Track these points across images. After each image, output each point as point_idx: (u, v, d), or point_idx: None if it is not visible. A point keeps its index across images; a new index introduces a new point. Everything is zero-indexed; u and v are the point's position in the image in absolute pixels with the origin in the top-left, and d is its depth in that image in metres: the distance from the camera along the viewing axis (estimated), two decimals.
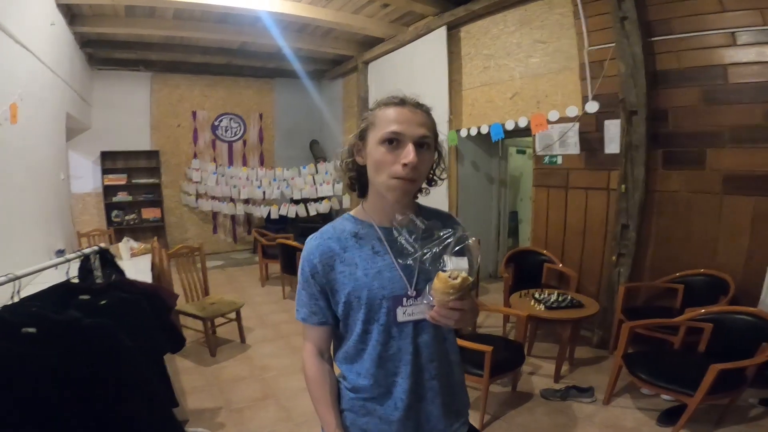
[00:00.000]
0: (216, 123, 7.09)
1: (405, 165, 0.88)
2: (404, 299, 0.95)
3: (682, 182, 3.15)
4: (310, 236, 1.03)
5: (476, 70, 4.39)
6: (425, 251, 0.91)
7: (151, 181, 6.61)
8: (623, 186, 3.25)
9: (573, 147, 3.63)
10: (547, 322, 2.93)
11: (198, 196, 6.82)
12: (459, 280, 0.84)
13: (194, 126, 6.93)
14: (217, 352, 3.38)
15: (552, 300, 2.92)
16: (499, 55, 4.18)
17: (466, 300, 0.86)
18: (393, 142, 0.89)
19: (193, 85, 6.86)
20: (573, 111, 3.50)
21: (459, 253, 0.88)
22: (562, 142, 3.69)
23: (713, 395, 2.11)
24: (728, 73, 2.87)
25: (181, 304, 3.23)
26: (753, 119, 2.80)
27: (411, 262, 0.94)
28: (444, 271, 0.86)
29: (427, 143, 0.93)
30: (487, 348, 2.18)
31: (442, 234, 0.90)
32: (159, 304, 2.11)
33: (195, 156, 6.93)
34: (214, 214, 7.19)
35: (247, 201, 6.95)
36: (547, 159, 3.86)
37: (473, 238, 0.90)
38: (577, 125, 3.55)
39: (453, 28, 4.56)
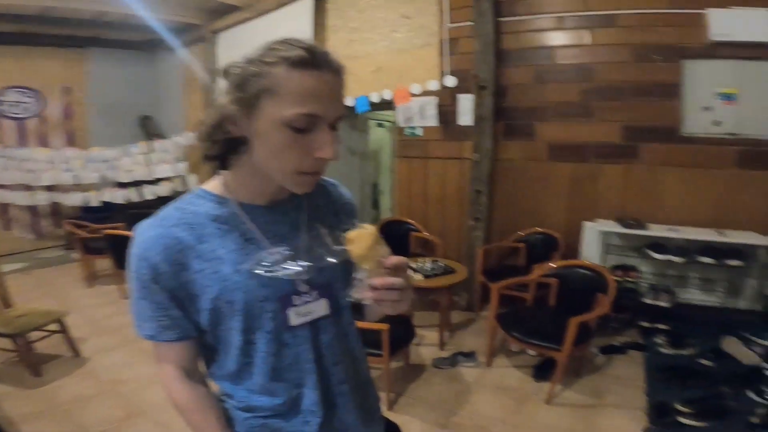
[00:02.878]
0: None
1: (320, 159, 0.66)
2: (294, 297, 0.75)
3: (518, 151, 3.60)
4: (141, 224, 0.73)
5: (341, 43, 4.26)
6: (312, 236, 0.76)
7: None
8: (476, 155, 3.57)
9: (432, 119, 3.82)
10: (425, 290, 3.03)
11: None
12: (370, 227, 0.68)
13: None
14: (43, 371, 2.68)
15: (428, 268, 3.05)
16: (365, 28, 4.12)
17: (398, 257, 0.69)
18: (304, 127, 0.65)
19: None
20: (434, 85, 3.66)
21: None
22: (422, 114, 3.85)
23: (574, 348, 2.32)
24: (555, 54, 3.35)
25: None
26: (570, 96, 3.33)
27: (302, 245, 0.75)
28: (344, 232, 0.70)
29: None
30: (383, 326, 2.13)
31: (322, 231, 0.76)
32: None
33: None
34: (4, 207, 5.58)
35: (51, 188, 5.56)
36: (408, 131, 3.99)
37: (367, 225, 0.71)
38: (435, 99, 3.74)
39: None
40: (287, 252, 0.75)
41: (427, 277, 2.97)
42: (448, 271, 3.09)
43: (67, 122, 6.10)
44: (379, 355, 2.22)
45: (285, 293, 0.75)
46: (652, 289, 3.06)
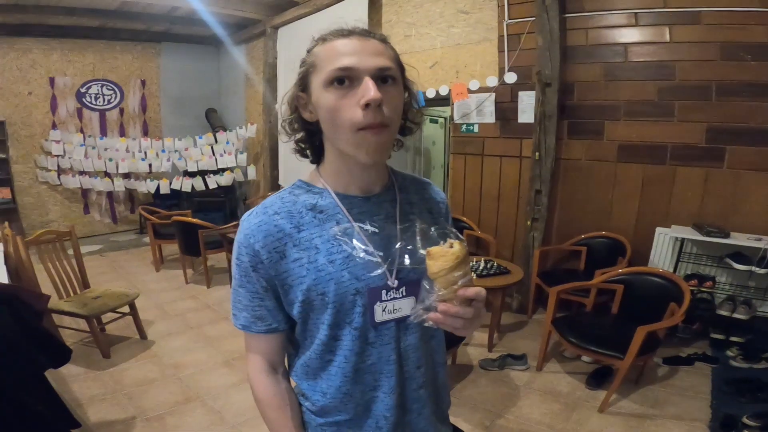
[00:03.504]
0: (83, 90, 5.98)
1: (366, 106, 0.65)
2: (384, 292, 0.73)
3: (584, 151, 3.41)
4: (248, 212, 0.76)
5: (397, 38, 4.24)
6: (407, 231, 0.72)
7: None
8: (537, 153, 3.42)
9: (489, 116, 3.71)
10: None
11: (61, 171, 5.71)
12: (457, 246, 0.64)
13: (52, 93, 5.78)
14: (111, 352, 2.85)
15: (481, 268, 2.98)
16: (421, 23, 4.07)
17: (479, 287, 0.65)
18: (344, 81, 0.67)
19: (52, 49, 5.71)
20: (493, 81, 3.56)
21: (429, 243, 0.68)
22: (479, 111, 3.75)
23: (637, 357, 2.21)
24: (628, 51, 3.13)
25: (54, 302, 2.65)
26: (645, 95, 3.10)
27: (395, 238, 0.73)
28: (426, 248, 0.66)
29: (392, 76, 0.69)
30: None
31: (418, 225, 0.71)
32: (23, 310, 1.66)
33: (54, 126, 5.78)
34: (85, 192, 6.11)
35: (127, 175, 6.01)
36: (464, 127, 3.90)
37: (458, 242, 0.66)
38: (493, 95, 3.63)
39: None
40: (374, 236, 0.74)
41: (479, 276, 2.90)
42: (501, 271, 3.00)
43: (143, 114, 6.53)
44: None
45: (375, 287, 0.73)
46: (730, 300, 2.83)
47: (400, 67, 0.75)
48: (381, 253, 0.73)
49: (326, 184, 0.78)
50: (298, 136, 0.79)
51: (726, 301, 2.83)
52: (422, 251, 0.67)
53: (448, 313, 0.64)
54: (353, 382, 0.76)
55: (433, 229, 0.70)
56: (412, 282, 0.75)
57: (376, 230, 0.75)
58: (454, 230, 0.71)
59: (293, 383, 0.84)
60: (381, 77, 0.68)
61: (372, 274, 0.73)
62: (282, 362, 0.84)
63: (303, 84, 0.73)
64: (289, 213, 0.75)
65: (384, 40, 0.74)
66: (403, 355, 0.78)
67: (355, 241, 0.73)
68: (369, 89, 0.65)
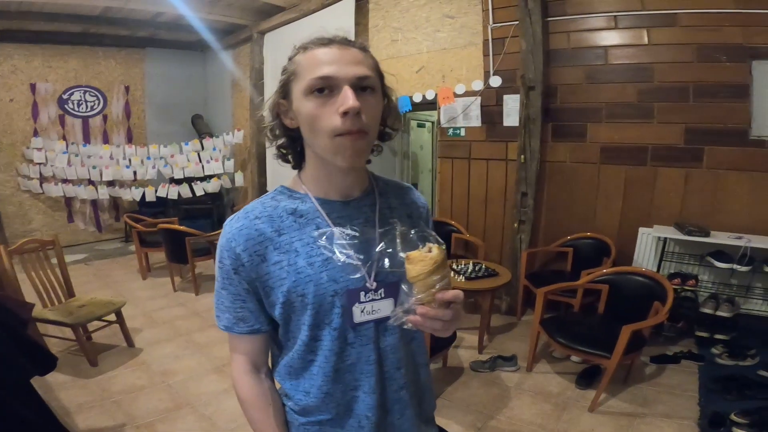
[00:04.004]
0: (65, 96, 5.90)
1: (345, 114, 0.67)
2: (362, 293, 0.75)
3: (568, 153, 3.47)
4: (231, 217, 0.79)
5: (383, 42, 4.27)
6: (386, 235, 0.74)
7: None
8: (522, 156, 3.47)
9: (475, 120, 3.76)
10: (466, 292, 3.00)
11: (43, 179, 5.61)
12: (435, 251, 0.66)
13: (33, 100, 5.69)
14: (98, 360, 2.81)
15: (469, 270, 3.00)
16: (408, 28, 4.11)
17: (456, 290, 0.67)
18: (324, 90, 0.69)
19: (33, 55, 5.62)
20: (479, 85, 3.61)
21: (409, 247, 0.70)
22: (465, 114, 3.79)
23: (624, 356, 2.25)
24: (608, 54, 3.20)
25: (38, 310, 2.60)
26: (626, 97, 3.17)
27: (372, 241, 0.75)
28: (406, 252, 0.68)
29: (371, 85, 0.72)
30: None
31: (398, 228, 0.73)
32: (8, 319, 1.64)
33: (36, 134, 5.68)
34: (68, 200, 6.00)
35: (112, 183, 5.94)
36: (451, 131, 3.94)
37: (437, 246, 0.68)
38: (479, 99, 3.67)
39: None
40: (352, 239, 0.76)
41: (468, 279, 2.93)
42: (490, 273, 3.03)
43: (127, 120, 6.44)
44: None
45: (353, 289, 0.75)
46: (712, 298, 2.89)
47: (380, 75, 0.78)
48: (361, 257, 0.75)
49: (307, 190, 0.80)
50: (280, 141, 0.81)
51: (709, 299, 2.88)
52: (402, 254, 0.69)
53: (427, 316, 0.66)
54: (334, 382, 0.78)
55: (413, 232, 0.72)
56: (391, 284, 0.77)
57: (356, 234, 0.76)
58: (433, 234, 0.72)
59: (277, 384, 0.86)
60: (360, 86, 0.70)
61: (351, 277, 0.75)
62: (265, 363, 0.85)
63: (284, 91, 0.75)
64: (269, 217, 0.77)
65: (364, 49, 0.76)
66: (382, 355, 0.79)
67: (334, 246, 0.74)
68: (348, 98, 0.68)
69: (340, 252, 0.74)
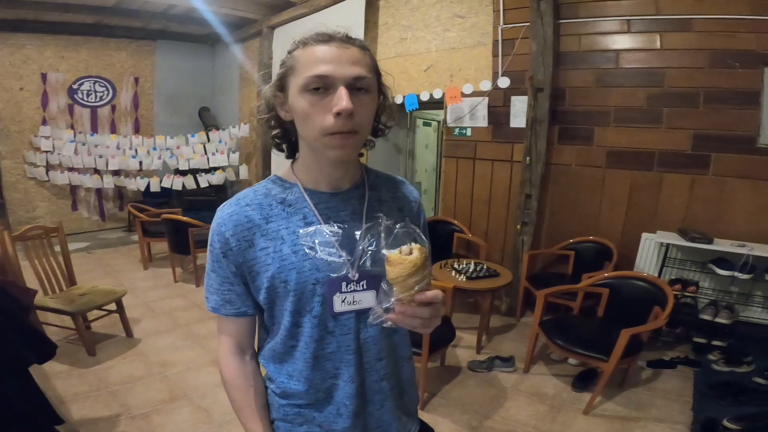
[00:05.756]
0: (75, 86, 5.92)
1: (338, 114, 0.69)
2: (343, 284, 0.77)
3: (574, 156, 3.46)
4: (224, 203, 0.82)
5: (392, 40, 4.27)
6: (371, 229, 0.74)
7: None
8: (528, 158, 3.45)
9: (482, 120, 3.75)
10: (466, 292, 3.01)
11: (49, 167, 5.64)
12: (416, 253, 0.66)
13: (44, 89, 5.71)
14: (96, 350, 2.82)
15: (471, 270, 2.99)
16: (417, 26, 4.10)
17: (436, 290, 0.69)
18: (319, 88, 0.70)
19: (45, 45, 5.65)
20: (487, 85, 3.59)
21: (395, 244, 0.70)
22: (472, 115, 3.78)
23: (621, 359, 2.24)
24: (619, 57, 3.18)
25: (39, 298, 2.62)
26: (635, 102, 3.15)
27: (354, 234, 0.76)
28: (387, 252, 0.68)
29: (365, 87, 0.73)
30: None
31: (383, 224, 0.73)
32: (9, 304, 1.65)
33: (45, 122, 5.72)
34: (73, 188, 6.03)
35: (117, 173, 5.96)
36: (457, 131, 3.93)
37: (418, 247, 0.68)
38: (486, 99, 3.66)
39: None
40: (336, 237, 0.77)
41: (469, 278, 2.92)
42: (491, 274, 3.02)
43: (135, 111, 6.47)
44: (417, 354, 2.21)
45: (334, 278, 0.76)
46: (712, 305, 2.88)
47: (377, 74, 0.78)
48: (343, 253, 0.77)
49: (297, 179, 0.82)
50: (275, 132, 0.83)
51: (709, 306, 2.87)
52: (384, 251, 0.69)
53: (406, 314, 0.68)
54: (313, 368, 0.80)
55: (398, 226, 0.72)
56: (374, 276, 0.78)
57: (342, 228, 0.78)
58: (418, 231, 0.72)
59: (262, 369, 0.87)
60: (355, 86, 0.71)
61: (331, 265, 0.76)
62: (250, 346, 0.88)
63: (281, 84, 0.77)
64: (259, 205, 0.79)
65: (363, 47, 0.76)
66: (363, 346, 0.81)
67: (317, 245, 0.76)
68: (342, 99, 0.68)
69: (322, 250, 0.75)
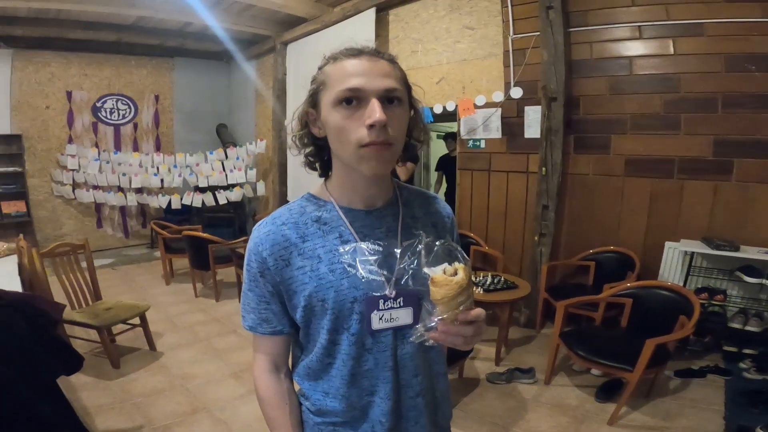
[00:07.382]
0: (98, 104, 6.13)
1: (371, 126, 0.69)
2: (381, 301, 0.76)
3: (591, 165, 3.41)
4: (259, 222, 0.82)
5: (404, 53, 4.33)
6: (410, 247, 0.73)
7: (11, 169, 5.48)
8: (544, 169, 3.43)
9: (495, 131, 3.75)
10: (485, 304, 2.98)
11: (75, 185, 5.84)
12: (461, 273, 0.65)
13: (69, 107, 5.93)
14: (120, 363, 2.88)
15: (488, 282, 2.97)
16: (428, 39, 4.15)
17: (479, 308, 0.68)
18: (352, 101, 0.70)
19: (70, 63, 5.87)
20: (499, 96, 3.60)
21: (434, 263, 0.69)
22: (486, 126, 3.79)
23: (647, 369, 2.20)
24: (633, 64, 3.16)
25: (66, 312, 2.67)
26: (651, 108, 3.11)
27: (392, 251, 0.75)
28: (431, 272, 0.67)
29: (398, 97, 0.73)
30: None
31: (423, 241, 0.72)
32: (39, 318, 1.70)
33: (71, 140, 5.93)
34: (98, 206, 6.22)
35: (140, 190, 6.13)
36: (471, 143, 3.93)
37: (462, 267, 0.67)
38: (499, 110, 3.67)
39: (382, 11, 4.42)
40: (376, 254, 0.76)
41: (486, 291, 2.89)
42: (508, 286, 2.99)
43: (156, 129, 6.65)
44: None
45: (372, 296, 0.76)
46: (742, 313, 2.80)
47: (407, 87, 0.78)
48: (384, 272, 0.75)
49: (331, 197, 0.82)
50: (308, 150, 0.83)
51: (738, 314, 2.79)
52: (426, 270, 0.69)
53: (449, 333, 0.68)
54: (350, 386, 0.79)
55: (437, 244, 0.72)
56: (411, 293, 0.77)
57: (380, 247, 0.76)
58: (459, 248, 0.72)
59: (296, 385, 0.88)
60: (387, 98, 0.72)
61: (369, 283, 0.75)
62: (285, 363, 0.88)
63: (313, 101, 0.77)
64: (295, 224, 0.79)
65: (392, 61, 0.77)
66: (399, 362, 0.80)
67: (358, 262, 0.74)
68: (375, 111, 0.69)
69: (363, 268, 0.74)
